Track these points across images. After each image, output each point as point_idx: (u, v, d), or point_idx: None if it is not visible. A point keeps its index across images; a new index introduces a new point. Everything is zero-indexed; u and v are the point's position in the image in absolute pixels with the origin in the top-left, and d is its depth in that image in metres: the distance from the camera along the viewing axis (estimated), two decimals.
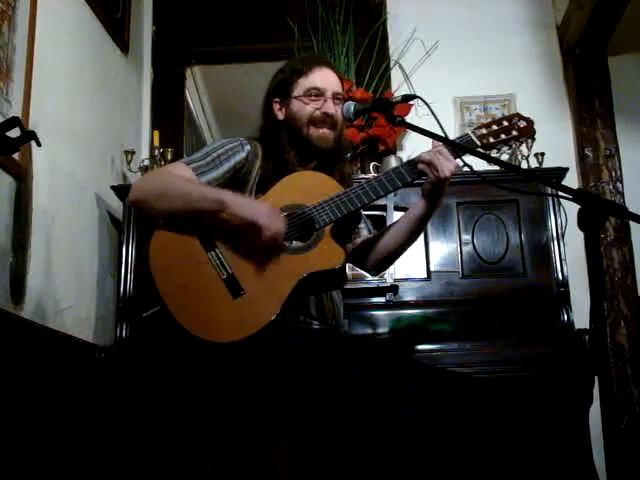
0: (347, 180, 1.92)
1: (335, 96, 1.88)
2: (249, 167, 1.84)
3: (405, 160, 3.03)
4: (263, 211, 1.64)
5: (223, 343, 1.59)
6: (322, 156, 1.88)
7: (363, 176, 2.89)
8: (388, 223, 2.64)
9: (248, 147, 1.85)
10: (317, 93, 1.86)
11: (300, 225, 1.71)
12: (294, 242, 1.72)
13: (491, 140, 1.74)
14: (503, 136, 1.75)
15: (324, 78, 1.89)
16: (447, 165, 1.70)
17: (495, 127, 1.76)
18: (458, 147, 1.70)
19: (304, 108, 1.86)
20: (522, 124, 1.74)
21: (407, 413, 1.54)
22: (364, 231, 2.01)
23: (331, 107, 1.86)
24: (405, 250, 1.92)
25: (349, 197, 1.74)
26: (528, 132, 1.75)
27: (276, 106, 1.91)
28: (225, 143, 1.85)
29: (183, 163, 1.79)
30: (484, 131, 1.75)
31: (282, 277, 1.64)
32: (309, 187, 1.77)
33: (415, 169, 1.76)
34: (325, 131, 1.86)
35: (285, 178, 1.79)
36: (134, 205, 1.86)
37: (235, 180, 1.82)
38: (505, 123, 1.76)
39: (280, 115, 1.90)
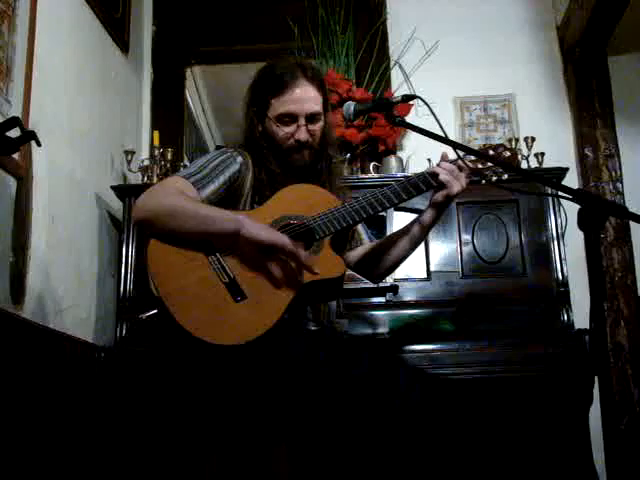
0: (333, 183, 1.91)
1: (309, 117, 1.83)
2: (243, 178, 1.83)
3: (405, 159, 3.06)
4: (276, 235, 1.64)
5: (224, 345, 1.59)
6: (301, 171, 1.86)
7: (363, 176, 2.91)
8: (388, 223, 2.65)
9: (240, 158, 1.84)
10: (289, 120, 1.82)
11: (299, 235, 1.72)
12: None
13: (479, 166, 1.81)
14: (490, 164, 1.82)
15: (298, 99, 1.82)
16: (463, 179, 1.78)
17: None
18: (460, 148, 1.72)
19: (277, 133, 1.83)
20: (507, 154, 1.83)
21: (407, 413, 1.54)
22: (365, 240, 2.02)
23: (303, 133, 1.82)
24: (408, 257, 1.95)
25: (347, 211, 1.76)
26: (511, 161, 1.83)
27: (254, 116, 1.88)
28: (217, 155, 1.83)
29: (182, 177, 1.75)
30: (472, 159, 1.82)
31: (284, 284, 1.66)
32: (307, 199, 1.78)
33: (428, 182, 1.79)
34: (297, 156, 1.84)
35: (283, 190, 1.79)
36: (141, 224, 1.69)
37: (230, 192, 1.81)
38: (491, 152, 1.84)
39: (259, 127, 1.88)
